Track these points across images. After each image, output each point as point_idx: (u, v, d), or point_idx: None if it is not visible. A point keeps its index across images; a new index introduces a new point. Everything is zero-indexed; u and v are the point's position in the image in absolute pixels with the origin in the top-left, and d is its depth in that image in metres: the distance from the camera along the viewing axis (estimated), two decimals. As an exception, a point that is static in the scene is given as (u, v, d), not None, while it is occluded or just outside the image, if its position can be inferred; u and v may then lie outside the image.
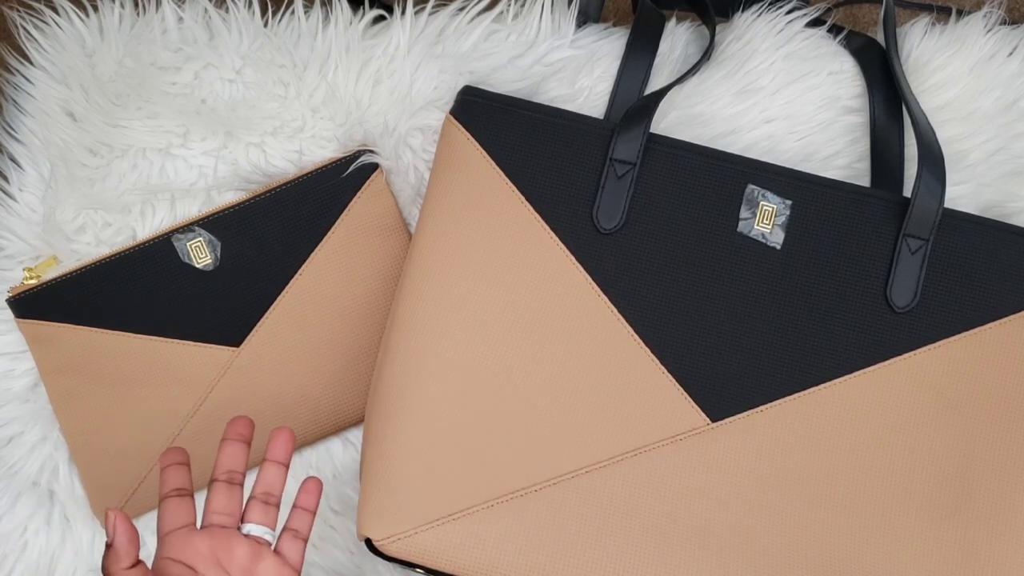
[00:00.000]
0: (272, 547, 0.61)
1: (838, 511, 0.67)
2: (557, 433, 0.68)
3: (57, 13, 0.77)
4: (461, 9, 0.78)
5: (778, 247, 0.70)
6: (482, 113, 0.72)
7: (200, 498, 0.78)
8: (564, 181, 0.70)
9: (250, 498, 0.62)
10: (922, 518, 0.67)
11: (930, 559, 0.67)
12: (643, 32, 0.75)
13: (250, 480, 0.78)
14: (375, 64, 0.76)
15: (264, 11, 0.78)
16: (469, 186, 0.71)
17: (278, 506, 0.62)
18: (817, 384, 0.69)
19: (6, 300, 0.75)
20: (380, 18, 0.78)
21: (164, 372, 0.76)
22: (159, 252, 0.75)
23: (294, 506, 0.63)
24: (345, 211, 0.77)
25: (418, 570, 0.68)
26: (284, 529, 0.62)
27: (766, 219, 0.70)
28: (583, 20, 0.78)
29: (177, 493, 0.60)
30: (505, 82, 0.76)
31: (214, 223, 0.76)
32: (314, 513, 0.63)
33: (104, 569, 0.56)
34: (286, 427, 0.66)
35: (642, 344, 0.69)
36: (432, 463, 0.67)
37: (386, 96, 0.77)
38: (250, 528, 0.60)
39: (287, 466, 0.63)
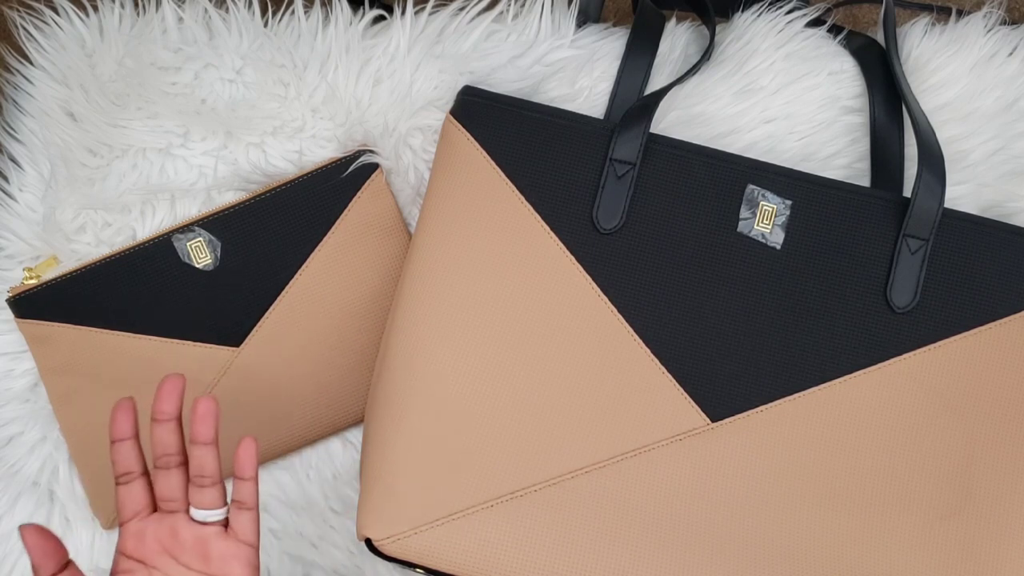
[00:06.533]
0: (221, 526, 0.59)
1: (838, 511, 0.67)
2: (557, 433, 0.68)
3: (57, 13, 0.77)
4: (461, 9, 0.78)
5: (778, 247, 0.70)
6: (482, 113, 0.72)
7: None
8: (564, 181, 0.70)
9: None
10: (922, 518, 0.67)
11: (930, 559, 0.67)
12: (643, 32, 0.75)
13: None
14: (375, 64, 0.76)
15: (264, 11, 0.78)
16: (469, 186, 0.71)
17: (217, 484, 0.58)
18: (817, 384, 0.69)
19: (6, 300, 0.75)
20: (380, 18, 0.78)
21: (164, 372, 0.76)
22: (159, 252, 0.75)
23: (233, 478, 0.59)
24: (345, 211, 0.77)
25: (418, 570, 0.68)
26: (231, 503, 0.59)
27: (766, 219, 0.70)
28: (583, 20, 0.78)
29: (124, 480, 0.57)
30: (505, 82, 0.76)
31: (214, 223, 0.76)
32: (254, 479, 0.58)
33: None
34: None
35: (642, 344, 0.69)
36: (432, 463, 0.67)
37: (386, 96, 0.77)
38: (193, 513, 0.58)
39: (213, 444, 0.58)
